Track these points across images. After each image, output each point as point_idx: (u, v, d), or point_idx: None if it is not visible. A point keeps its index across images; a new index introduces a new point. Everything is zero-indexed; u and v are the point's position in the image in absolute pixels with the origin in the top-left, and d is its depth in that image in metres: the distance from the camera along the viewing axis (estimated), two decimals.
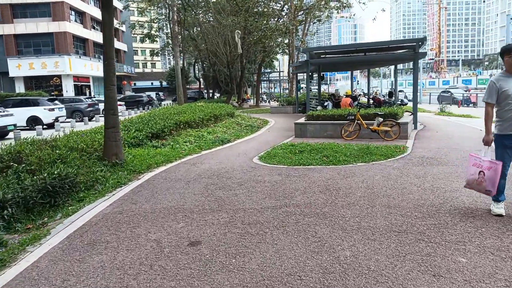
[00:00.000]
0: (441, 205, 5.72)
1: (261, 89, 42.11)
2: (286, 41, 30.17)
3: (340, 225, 5.04)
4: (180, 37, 39.38)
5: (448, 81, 64.53)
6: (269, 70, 50.49)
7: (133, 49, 69.46)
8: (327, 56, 17.50)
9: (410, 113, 15.63)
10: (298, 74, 27.44)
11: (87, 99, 28.72)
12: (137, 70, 75.99)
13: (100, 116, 28.59)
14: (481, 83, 55.04)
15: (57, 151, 8.55)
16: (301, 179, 7.63)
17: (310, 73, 17.23)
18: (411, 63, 16.48)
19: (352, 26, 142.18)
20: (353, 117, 12.80)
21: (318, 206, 5.88)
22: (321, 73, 19.54)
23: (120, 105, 33.05)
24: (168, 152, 11.13)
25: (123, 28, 55.93)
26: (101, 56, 57.35)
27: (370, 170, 8.30)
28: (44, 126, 23.02)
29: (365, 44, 16.48)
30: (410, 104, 18.45)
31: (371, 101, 19.51)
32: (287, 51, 45.68)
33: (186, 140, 13.21)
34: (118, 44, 60.26)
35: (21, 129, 22.80)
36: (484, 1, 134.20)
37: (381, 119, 12.61)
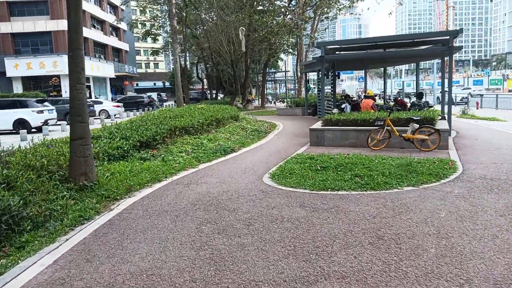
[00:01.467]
0: None
1: (266, 89, 39.81)
2: (293, 39, 27.88)
3: None
4: (181, 35, 37.19)
5: (458, 81, 61.92)
6: (273, 70, 48.18)
7: (135, 49, 67.42)
8: (344, 51, 15.21)
9: (440, 117, 13.29)
10: (308, 74, 25.11)
11: None
12: (139, 71, 73.92)
13: (95, 119, 26.40)
14: (493, 83, 52.49)
15: (4, 172, 6.31)
16: (335, 216, 5.33)
17: (325, 72, 14.97)
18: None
19: (357, 26, 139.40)
20: (382, 123, 10.50)
21: (376, 279, 3.59)
22: (336, 71, 17.27)
23: (118, 106, 30.91)
24: (158, 167, 8.87)
25: (124, 27, 53.88)
26: (102, 56, 55.38)
27: (425, 199, 6.00)
28: (33, 129, 20.85)
29: (388, 37, 14.17)
30: (437, 107, 16.11)
31: (392, 103, 17.19)
32: (292, 50, 43.44)
33: (181, 149, 10.94)
34: (119, 44, 58.27)
35: (7, 133, 20.68)
36: (491, 1, 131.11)
37: (416, 126, 10.30)
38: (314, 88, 34.09)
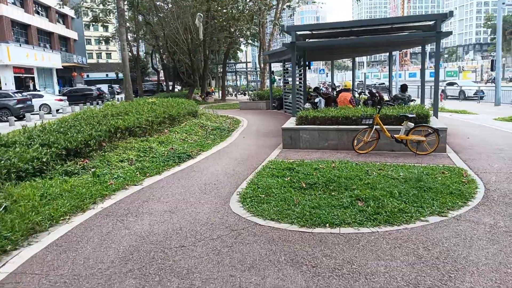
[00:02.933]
0: None
1: (227, 81, 37.45)
2: (256, 27, 25.65)
3: None
4: (134, 22, 33.97)
5: (414, 73, 62.17)
6: (234, 61, 45.76)
7: (86, 37, 62.63)
8: (316, 38, 13.26)
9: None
10: (272, 65, 23.04)
11: (16, 94, 23.04)
12: (91, 61, 69.03)
13: (33, 114, 23.06)
14: (449, 75, 52.86)
15: None
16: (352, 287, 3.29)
17: (296, 61, 12.89)
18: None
19: (314, 19, 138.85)
20: (370, 122, 8.62)
21: None
22: (307, 61, 15.24)
23: (61, 100, 27.55)
24: (86, 186, 6.50)
25: (73, 13, 49.43)
26: (47, 45, 50.66)
27: (468, 240, 4.09)
28: None
29: (368, 21, 12.31)
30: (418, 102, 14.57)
31: (365, 97, 15.46)
32: (252, 41, 41.19)
33: (123, 157, 8.56)
34: (66, 32, 53.65)
35: None
36: None
37: (411, 125, 8.50)
38: (279, 80, 32.07)
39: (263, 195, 5.74)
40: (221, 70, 34.61)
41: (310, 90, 19.17)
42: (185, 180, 7.11)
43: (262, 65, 27.33)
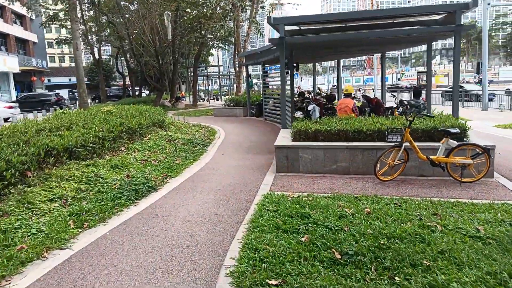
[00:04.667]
0: None
1: (198, 85, 34.63)
2: (229, 26, 23.06)
3: None
4: (96, 23, 30.67)
5: (387, 77, 61.34)
6: (204, 65, 42.96)
7: (47, 40, 58.07)
8: (305, 34, 10.89)
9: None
10: (248, 67, 20.53)
11: None
12: (53, 65, 64.43)
13: None
14: None
15: None
16: None
17: (285, 61, 10.33)
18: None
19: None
20: (399, 139, 6.29)
21: None
22: (292, 62, 12.73)
23: (10, 107, 24.01)
24: None
25: (32, 15, 45.29)
26: (2, 48, 46.16)
27: None
28: None
29: (374, 12, 10.05)
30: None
31: (359, 102, 13.21)
32: (223, 44, 38.56)
33: (54, 194, 5.84)
34: (24, 34, 49.32)
35: None
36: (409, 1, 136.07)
37: (453, 143, 6.24)
38: (256, 83, 29.55)
39: (274, 280, 3.23)
40: (192, 74, 31.81)
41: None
42: (141, 238, 4.50)
43: (237, 68, 24.86)
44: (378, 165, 6.36)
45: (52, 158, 6.73)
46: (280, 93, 10.41)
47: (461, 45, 76.37)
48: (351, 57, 19.70)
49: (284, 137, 8.15)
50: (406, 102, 9.76)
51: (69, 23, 38.87)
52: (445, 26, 9.40)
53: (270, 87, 18.53)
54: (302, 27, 11.52)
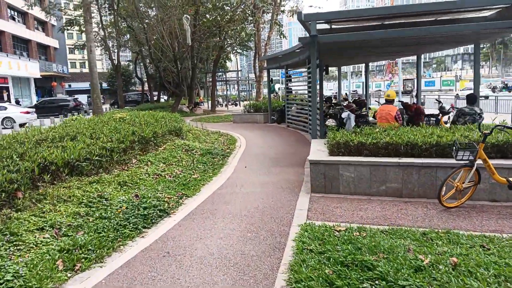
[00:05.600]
0: None
1: (216, 91, 33.66)
2: (251, 28, 21.94)
3: None
4: (115, 28, 30.03)
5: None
6: (223, 70, 42.03)
7: (68, 46, 58.20)
8: (346, 31, 9.63)
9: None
10: (270, 72, 19.33)
11: None
12: (74, 70, 64.68)
13: None
14: (445, 84, 50.07)
15: None
16: None
17: (316, 63, 9.01)
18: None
19: (302, 30, 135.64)
20: (471, 157, 4.98)
21: None
22: (324, 65, 11.42)
23: (27, 112, 23.45)
24: None
25: (53, 21, 45.33)
26: (24, 53, 46.31)
27: None
28: None
29: (423, 6, 8.59)
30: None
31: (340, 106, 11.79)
32: (241, 49, 37.52)
33: (45, 221, 4.74)
34: (46, 40, 49.45)
35: None
36: None
37: None
38: (280, 88, 28.29)
39: None
40: (211, 79, 30.86)
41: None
42: None
43: (257, 72, 23.66)
44: (444, 189, 5.06)
45: (49, 175, 5.66)
46: (311, 99, 9.18)
47: (484, 49, 73.59)
48: (382, 59, 18.42)
49: (318, 150, 6.92)
50: (456, 109, 8.38)
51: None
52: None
53: (293, 92, 17.30)
54: (333, 26, 10.31)
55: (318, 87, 9.75)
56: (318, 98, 9.91)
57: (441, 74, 65.11)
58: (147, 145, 8.70)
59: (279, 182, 7.02)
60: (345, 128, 8.86)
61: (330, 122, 9.52)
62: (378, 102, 13.16)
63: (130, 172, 7.10)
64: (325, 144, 7.55)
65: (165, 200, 5.84)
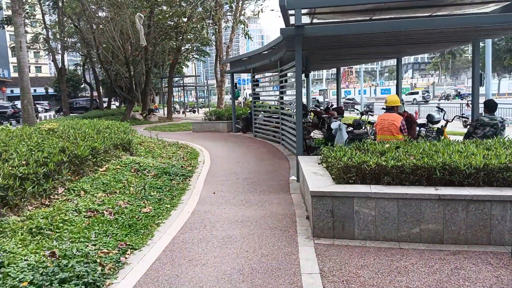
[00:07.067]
0: None
1: (173, 97, 31.08)
2: (212, 28, 19.91)
3: None
4: (59, 27, 26.83)
5: (365, 90, 59.51)
6: (180, 76, 39.50)
7: (11, 48, 53.06)
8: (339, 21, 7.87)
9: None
10: (234, 76, 17.34)
11: None
12: (15, 75, 59.15)
13: None
14: (406, 91, 50.49)
15: None
16: None
17: (303, 62, 7.15)
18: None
19: (259, 37, 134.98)
20: None
21: None
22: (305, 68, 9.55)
23: None
24: None
25: None
26: None
27: None
28: None
29: None
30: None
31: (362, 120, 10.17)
32: (199, 54, 35.45)
33: None
34: None
35: None
36: None
37: None
38: (245, 92, 26.20)
39: None
40: (166, 85, 28.38)
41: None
42: None
43: (219, 76, 21.61)
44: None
45: None
46: (296, 104, 7.32)
47: (434, 59, 76.01)
48: (358, 63, 17.07)
49: (315, 174, 5.06)
50: (473, 119, 6.89)
51: (31, 28, 34.77)
52: None
53: (260, 98, 15.50)
54: (314, 20, 8.60)
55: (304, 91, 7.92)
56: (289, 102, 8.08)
57: (383, 83, 66.28)
58: (82, 166, 6.46)
59: (264, 218, 5.09)
60: (335, 141, 7.11)
61: (317, 134, 7.75)
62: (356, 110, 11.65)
63: (51, 209, 4.89)
64: (318, 163, 5.74)
65: (98, 260, 3.74)
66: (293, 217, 5.06)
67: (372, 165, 4.41)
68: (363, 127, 10.11)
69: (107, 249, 4.06)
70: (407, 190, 4.14)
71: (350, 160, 4.61)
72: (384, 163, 4.41)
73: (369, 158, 4.58)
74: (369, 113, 11.36)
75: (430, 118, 10.21)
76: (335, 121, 7.92)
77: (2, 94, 46.66)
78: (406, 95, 46.58)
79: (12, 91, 51.26)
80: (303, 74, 8.27)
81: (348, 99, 37.51)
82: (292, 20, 7.57)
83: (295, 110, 7.56)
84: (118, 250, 4.09)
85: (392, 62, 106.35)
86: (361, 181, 4.49)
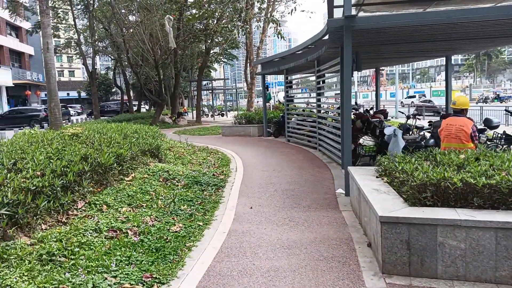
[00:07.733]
0: None
1: (202, 100, 30.64)
2: (242, 30, 19.23)
3: None
4: (91, 31, 26.91)
5: (392, 93, 57.53)
6: (209, 79, 39.14)
7: None
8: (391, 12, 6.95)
9: None
10: (265, 77, 16.53)
11: None
12: None
13: None
14: (435, 95, 48.41)
15: None
16: None
17: (353, 58, 6.22)
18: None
19: (287, 40, 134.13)
20: None
21: None
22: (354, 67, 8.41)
23: None
24: None
25: (27, 26, 41.74)
26: None
27: None
28: None
29: None
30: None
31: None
32: (229, 57, 35.00)
33: None
34: (19, 46, 45.82)
35: None
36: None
37: None
38: (278, 94, 25.34)
39: None
40: (195, 88, 27.94)
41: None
42: None
43: (249, 79, 20.87)
44: None
45: None
46: (341, 109, 6.43)
47: (468, 60, 72.78)
48: (412, 61, 16.02)
49: (376, 192, 4.15)
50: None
51: (63, 33, 35.23)
52: None
53: (295, 101, 14.63)
54: (361, 11, 7.64)
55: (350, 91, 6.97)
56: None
57: (430, 85, 63.64)
58: (105, 175, 5.78)
59: (315, 243, 4.21)
60: (388, 149, 6.15)
61: (367, 140, 6.79)
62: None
63: (68, 228, 4.20)
64: (376, 177, 4.81)
65: None
66: (350, 243, 4.16)
67: (458, 183, 3.46)
68: (411, 133, 9.06)
69: (129, 284, 3.30)
70: (509, 218, 3.17)
71: (426, 175, 3.67)
72: (472, 180, 3.45)
73: (449, 173, 3.63)
74: (416, 116, 10.26)
75: (488, 122, 9.07)
76: (389, 126, 6.96)
77: (37, 98, 47.80)
78: (405, 98, 44.54)
79: (46, 95, 52.52)
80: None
81: (424, 101, 33.62)
82: (336, 13, 6.70)
83: (349, 112, 6.63)
84: (143, 285, 3.32)
85: (424, 64, 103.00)
86: (442, 203, 3.55)
